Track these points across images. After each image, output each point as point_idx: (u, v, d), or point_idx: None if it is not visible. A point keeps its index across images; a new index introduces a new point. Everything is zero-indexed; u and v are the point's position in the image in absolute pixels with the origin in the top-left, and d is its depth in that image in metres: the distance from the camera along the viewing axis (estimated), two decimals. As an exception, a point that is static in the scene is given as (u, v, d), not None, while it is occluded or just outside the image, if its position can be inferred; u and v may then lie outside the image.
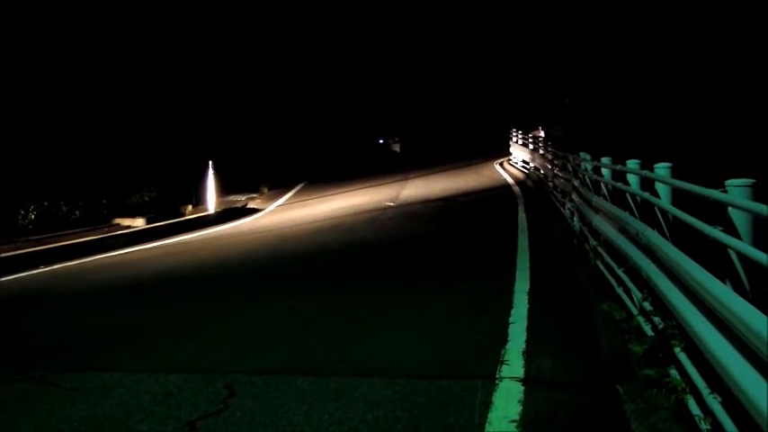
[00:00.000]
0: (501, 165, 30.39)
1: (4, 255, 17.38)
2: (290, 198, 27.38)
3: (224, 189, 26.44)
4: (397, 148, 40.50)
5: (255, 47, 38.27)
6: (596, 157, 9.55)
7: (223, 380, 5.74)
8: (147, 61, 30.21)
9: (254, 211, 24.79)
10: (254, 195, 29.01)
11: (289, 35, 41.11)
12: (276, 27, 40.13)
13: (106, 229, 22.41)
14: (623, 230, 6.81)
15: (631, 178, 7.00)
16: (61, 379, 6.33)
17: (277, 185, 30.94)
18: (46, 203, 23.72)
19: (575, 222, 11.39)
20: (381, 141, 43.97)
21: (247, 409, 5.02)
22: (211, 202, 24.23)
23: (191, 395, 5.48)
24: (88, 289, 12.63)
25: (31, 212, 23.19)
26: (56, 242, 19.39)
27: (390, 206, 20.58)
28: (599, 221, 8.44)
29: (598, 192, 9.17)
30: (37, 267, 15.96)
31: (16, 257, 16.98)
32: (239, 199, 27.68)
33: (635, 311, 6.14)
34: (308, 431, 4.57)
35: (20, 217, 22.81)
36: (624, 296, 6.66)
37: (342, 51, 44.68)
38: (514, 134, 30.16)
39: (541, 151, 21.65)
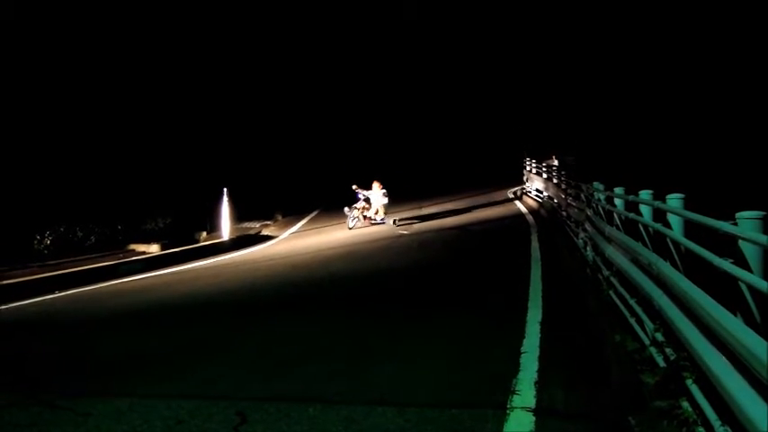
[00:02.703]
0: (514, 193, 30.34)
1: (19, 280, 17.52)
2: (303, 225, 27.46)
3: (238, 216, 26.55)
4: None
5: (270, 74, 38.51)
6: (610, 186, 9.55)
7: (234, 407, 5.76)
8: (163, 89, 30.42)
9: (268, 238, 24.85)
10: (268, 222, 29.09)
11: (301, 59, 41.41)
12: (288, 49, 40.43)
13: (121, 255, 22.52)
14: (636, 261, 6.80)
15: (644, 209, 6.99)
16: (74, 404, 6.37)
17: (291, 212, 31.03)
18: (62, 229, 23.89)
19: (588, 252, 11.36)
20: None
21: (258, 437, 5.03)
22: (225, 228, 24.30)
23: (202, 422, 5.51)
24: (102, 315, 12.71)
25: (47, 238, 23.35)
26: (71, 267, 19.51)
27: (404, 234, 20.59)
28: (612, 252, 8.42)
29: (611, 222, 9.15)
30: (52, 292, 16.06)
31: (31, 282, 17.11)
32: (253, 226, 27.77)
33: (647, 342, 6.11)
34: (318, 459, 4.58)
35: (35, 242, 22.96)
36: (636, 327, 6.63)
37: (350, 75, 44.94)
38: (528, 162, 30.13)
39: (555, 180, 21.62)
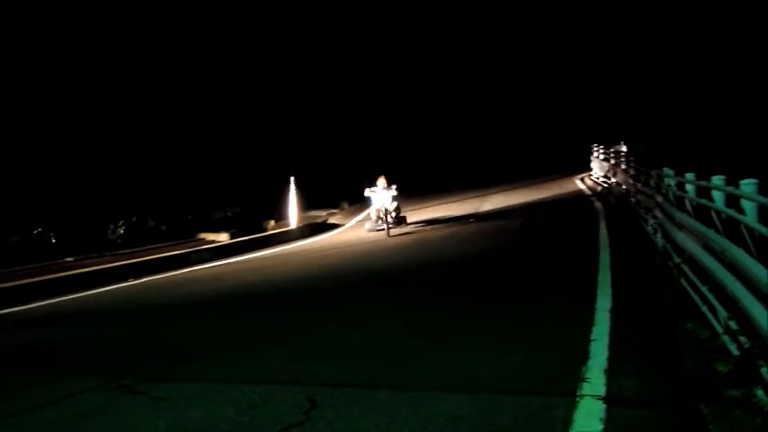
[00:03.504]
0: (582, 180, 29.99)
1: (94, 268, 17.99)
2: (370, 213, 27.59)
3: (305, 204, 26.76)
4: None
5: (342, 67, 38.60)
6: (680, 172, 9.39)
7: (305, 392, 5.84)
8: (232, 83, 30.78)
9: (335, 226, 25.04)
10: (335, 211, 29.28)
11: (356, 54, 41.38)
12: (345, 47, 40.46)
13: (191, 244, 22.94)
14: (708, 247, 6.69)
15: (716, 195, 6.86)
16: (149, 388, 6.55)
17: (357, 200, 31.14)
18: (134, 219, 24.44)
19: (657, 239, 11.20)
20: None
21: (329, 422, 5.10)
22: (293, 217, 24.55)
23: (274, 406, 5.61)
24: (174, 302, 12.99)
25: (120, 227, 23.92)
26: (143, 256, 19.95)
27: (471, 221, 20.55)
28: (683, 238, 8.29)
29: (682, 208, 9.00)
30: (126, 280, 16.47)
31: (106, 271, 17.56)
32: (320, 214, 27.98)
33: (720, 330, 6.01)
34: (389, 445, 4.63)
35: (110, 231, 23.54)
36: (709, 314, 6.53)
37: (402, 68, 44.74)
38: (596, 149, 29.74)
39: (623, 166, 21.31)
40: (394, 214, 20.25)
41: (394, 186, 20.26)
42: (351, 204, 31.09)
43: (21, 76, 23.42)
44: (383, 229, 19.67)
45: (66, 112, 24.43)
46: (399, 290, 11.47)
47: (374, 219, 20.73)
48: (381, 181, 20.37)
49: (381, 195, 20.05)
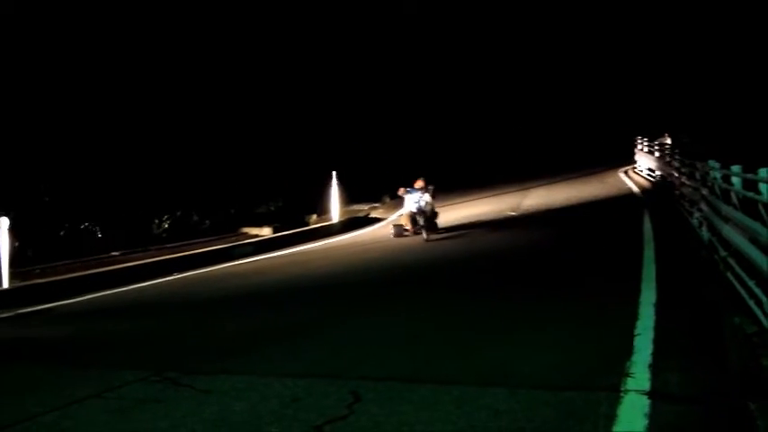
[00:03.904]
0: (626, 173, 29.70)
1: (139, 262, 18.21)
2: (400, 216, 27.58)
3: (347, 199, 26.83)
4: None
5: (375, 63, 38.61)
6: (725, 164, 9.26)
7: (348, 386, 5.86)
8: (274, 80, 30.95)
9: (377, 220, 25.08)
10: (377, 205, 29.32)
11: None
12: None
13: (234, 238, 23.12)
14: (755, 241, 6.59)
15: (763, 187, 6.75)
16: (195, 381, 6.62)
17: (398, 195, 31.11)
18: (178, 213, 24.71)
19: (703, 232, 11.07)
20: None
21: (372, 416, 5.11)
22: (335, 211, 24.60)
23: (317, 400, 5.64)
24: (218, 296, 13.10)
25: (165, 222, 24.20)
26: (187, 250, 20.15)
27: (512, 215, 20.46)
28: (729, 231, 8.18)
29: (728, 201, 8.88)
30: (170, 274, 16.66)
31: (150, 265, 17.76)
32: (362, 208, 28.04)
33: (767, 325, 5.93)
34: (431, 439, 4.63)
35: (154, 226, 23.83)
36: (756, 309, 6.42)
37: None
38: (640, 141, 29.44)
39: (668, 159, 21.08)
40: (426, 217, 17.87)
41: (432, 188, 18.73)
42: (392, 198, 31.08)
43: (56, 73, 23.75)
44: (408, 235, 18.22)
45: (111, 110, 24.78)
46: (439, 284, 11.47)
47: (402, 223, 18.99)
48: (420, 183, 18.68)
49: (415, 198, 18.19)
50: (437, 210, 18.86)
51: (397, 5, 41.34)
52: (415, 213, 18.14)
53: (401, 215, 18.99)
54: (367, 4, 39.22)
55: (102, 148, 23.96)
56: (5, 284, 15.20)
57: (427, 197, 18.27)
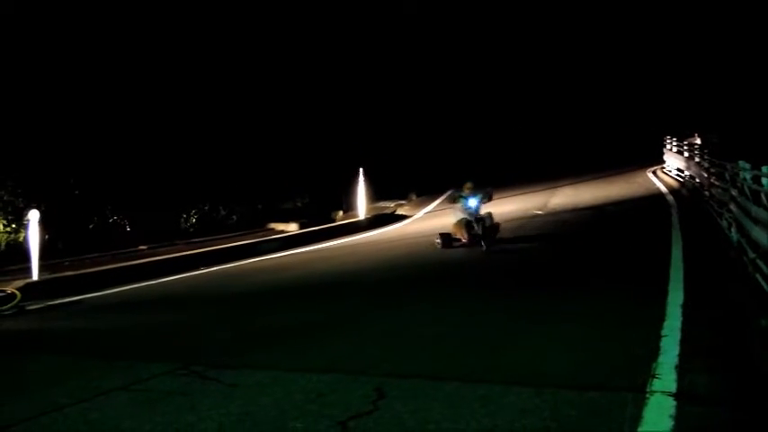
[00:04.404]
0: (654, 173, 29.48)
1: (167, 256, 18.36)
2: (438, 205, 27.54)
3: (373, 195, 26.87)
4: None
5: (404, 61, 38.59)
6: (756, 165, 9.17)
7: (372, 382, 5.88)
8: (300, 77, 31.04)
9: (403, 217, 25.10)
10: (403, 202, 29.35)
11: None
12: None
13: (261, 234, 23.25)
14: (785, 243, 6.52)
15: (794, 189, 6.69)
16: (221, 375, 6.67)
17: (425, 192, 31.18)
18: (206, 208, 24.86)
19: (732, 234, 10.97)
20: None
21: (396, 412, 5.12)
22: (361, 208, 24.65)
23: (342, 396, 5.66)
24: (244, 291, 13.19)
25: (192, 216, 24.36)
26: (214, 245, 20.29)
27: (538, 214, 20.40)
28: (758, 233, 8.10)
29: (758, 202, 8.79)
30: (197, 269, 16.78)
31: (178, 259, 17.91)
32: (388, 205, 28.08)
33: (797, 328, 5.87)
34: (456, 436, 4.63)
35: (182, 220, 24.00)
36: (785, 312, 6.37)
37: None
38: (669, 141, 29.21)
39: (697, 159, 20.90)
40: (485, 225, 15.33)
41: (490, 191, 16.56)
42: (419, 196, 31.13)
43: (86, 68, 23.96)
44: (464, 245, 15.48)
45: (142, 105, 24.98)
46: (465, 282, 11.48)
47: (452, 232, 15.99)
48: (469, 186, 16.28)
49: (473, 202, 15.85)
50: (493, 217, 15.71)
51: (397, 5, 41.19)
52: (471, 220, 15.48)
53: (457, 221, 15.84)
54: (378, 5, 39.19)
55: (133, 144, 24.16)
56: (35, 276, 15.38)
57: (478, 199, 15.91)
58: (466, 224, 15.51)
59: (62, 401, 6.33)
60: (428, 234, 18.74)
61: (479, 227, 15.24)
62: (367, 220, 23.92)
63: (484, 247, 14.72)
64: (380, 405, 5.31)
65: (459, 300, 9.80)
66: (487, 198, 16.14)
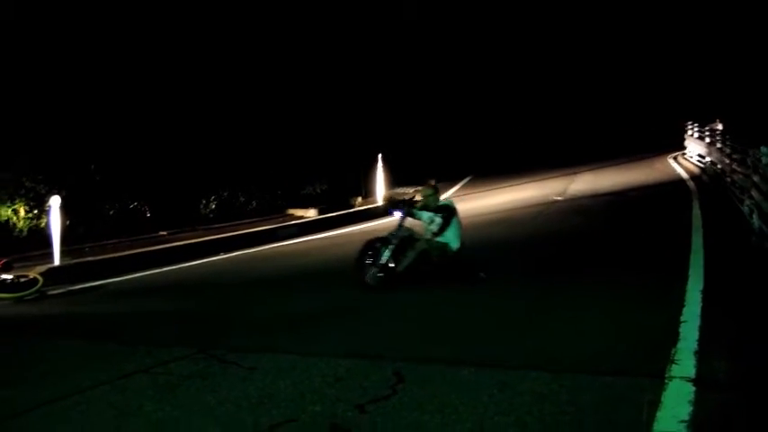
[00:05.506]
0: (675, 159, 29.29)
1: (187, 242, 18.47)
2: (456, 191, 27.55)
3: (392, 181, 26.89)
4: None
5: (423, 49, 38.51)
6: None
7: (391, 366, 5.90)
8: (318, 65, 31.06)
9: (422, 203, 25.04)
10: (421, 188, 29.33)
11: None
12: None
13: (280, 219, 23.35)
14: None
15: (817, 174, 6.63)
16: (240, 359, 6.72)
17: (443, 178, 31.10)
18: (225, 194, 24.97)
19: (753, 220, 10.90)
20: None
21: (415, 396, 5.14)
22: (380, 194, 24.67)
23: (360, 380, 5.68)
24: (262, 276, 13.26)
25: (212, 202, 24.46)
26: (233, 231, 20.40)
27: (558, 200, 20.32)
28: (780, 219, 8.05)
29: (780, 188, 8.73)
30: (217, 254, 16.88)
31: (198, 245, 18.02)
32: (407, 191, 28.03)
33: (818, 314, 5.83)
34: (473, 420, 4.64)
35: (201, 206, 24.09)
36: (807, 298, 6.33)
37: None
38: (690, 127, 28.99)
39: (718, 145, 20.74)
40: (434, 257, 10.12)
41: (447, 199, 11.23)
42: (438, 182, 31.08)
43: (110, 57, 24.07)
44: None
45: (161, 91, 25.05)
46: (481, 268, 11.44)
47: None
48: (427, 192, 11.06)
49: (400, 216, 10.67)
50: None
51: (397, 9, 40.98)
52: (427, 249, 10.14)
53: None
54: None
55: (153, 130, 24.25)
56: (57, 262, 15.52)
57: (438, 220, 10.24)
58: (422, 253, 10.14)
59: (84, 384, 6.41)
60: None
61: (411, 257, 10.13)
62: (385, 206, 23.93)
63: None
64: (399, 389, 5.33)
65: (476, 285, 9.78)
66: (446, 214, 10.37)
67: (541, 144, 40.39)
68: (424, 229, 10.42)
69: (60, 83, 22.31)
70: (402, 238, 10.26)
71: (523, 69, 44.79)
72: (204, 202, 24.85)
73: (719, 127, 26.60)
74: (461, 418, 4.66)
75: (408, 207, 10.79)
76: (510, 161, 36.29)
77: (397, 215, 10.73)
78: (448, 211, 10.35)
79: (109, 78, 23.61)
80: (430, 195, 10.89)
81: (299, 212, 24.66)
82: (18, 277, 13.58)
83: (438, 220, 10.22)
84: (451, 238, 10.16)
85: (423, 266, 10.06)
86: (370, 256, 10.34)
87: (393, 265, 10.14)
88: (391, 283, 9.93)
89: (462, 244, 10.28)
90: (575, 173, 27.99)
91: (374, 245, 10.46)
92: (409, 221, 10.55)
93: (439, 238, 10.13)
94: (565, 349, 6.07)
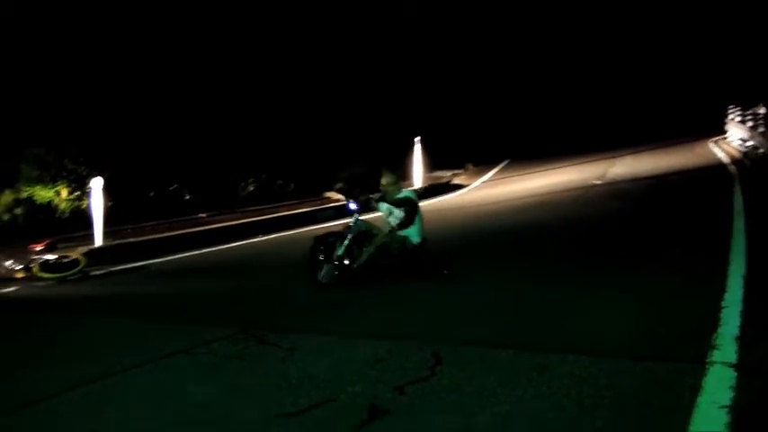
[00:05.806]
0: (716, 143, 28.89)
1: (226, 224, 18.66)
2: (494, 175, 27.45)
3: (430, 165, 26.89)
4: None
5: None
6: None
7: (430, 348, 5.92)
8: (359, 52, 31.18)
9: (459, 186, 25.07)
10: (459, 171, 29.31)
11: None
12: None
13: (318, 202, 23.46)
14: None
15: None
16: (280, 339, 6.79)
17: (481, 162, 31.07)
18: (264, 177, 25.14)
19: (797, 205, 10.74)
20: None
21: (453, 378, 5.16)
22: (418, 177, 24.70)
23: (400, 361, 5.71)
24: (301, 258, 13.32)
25: (250, 185, 24.65)
26: (271, 213, 20.53)
27: (597, 184, 20.19)
28: (825, 204, 7.93)
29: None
30: (255, 236, 17.01)
31: (237, 227, 18.20)
32: (444, 175, 28.08)
33: None
34: (511, 402, 4.65)
35: (240, 189, 24.31)
36: None
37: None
38: (732, 111, 28.57)
39: (761, 129, 20.42)
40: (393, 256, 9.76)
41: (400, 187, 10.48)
42: (475, 166, 31.00)
43: (156, 48, 24.30)
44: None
45: (202, 78, 25.26)
46: (521, 251, 11.43)
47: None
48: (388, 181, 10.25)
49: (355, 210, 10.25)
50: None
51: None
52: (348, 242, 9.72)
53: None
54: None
55: (194, 115, 24.47)
56: (99, 242, 15.76)
57: (398, 213, 9.78)
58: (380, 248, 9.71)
59: (127, 363, 6.53)
60: (482, 204, 18.71)
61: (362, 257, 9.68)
62: (423, 189, 23.97)
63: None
64: (438, 371, 5.35)
65: (514, 268, 9.79)
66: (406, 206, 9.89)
67: (580, 128, 40.02)
68: (383, 221, 9.96)
69: (103, 72, 22.57)
70: (358, 232, 9.73)
71: (564, 53, 44.38)
72: (242, 184, 25.05)
73: (762, 111, 26.17)
74: (499, 401, 4.67)
75: (365, 198, 10.34)
76: (548, 145, 36.03)
77: (353, 207, 10.19)
78: (410, 205, 9.83)
79: (158, 66, 23.85)
80: (391, 184, 10.17)
81: (336, 195, 24.75)
82: (61, 258, 13.83)
83: (397, 212, 9.70)
84: (413, 233, 9.79)
85: (382, 260, 9.57)
86: (323, 252, 9.72)
87: (348, 262, 9.60)
88: (346, 280, 9.42)
89: (424, 239, 9.91)
90: (614, 157, 27.75)
91: (327, 239, 9.82)
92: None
93: (400, 232, 9.73)
94: (604, 333, 6.05)
